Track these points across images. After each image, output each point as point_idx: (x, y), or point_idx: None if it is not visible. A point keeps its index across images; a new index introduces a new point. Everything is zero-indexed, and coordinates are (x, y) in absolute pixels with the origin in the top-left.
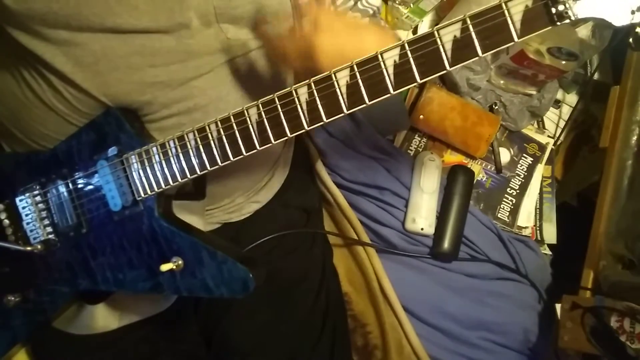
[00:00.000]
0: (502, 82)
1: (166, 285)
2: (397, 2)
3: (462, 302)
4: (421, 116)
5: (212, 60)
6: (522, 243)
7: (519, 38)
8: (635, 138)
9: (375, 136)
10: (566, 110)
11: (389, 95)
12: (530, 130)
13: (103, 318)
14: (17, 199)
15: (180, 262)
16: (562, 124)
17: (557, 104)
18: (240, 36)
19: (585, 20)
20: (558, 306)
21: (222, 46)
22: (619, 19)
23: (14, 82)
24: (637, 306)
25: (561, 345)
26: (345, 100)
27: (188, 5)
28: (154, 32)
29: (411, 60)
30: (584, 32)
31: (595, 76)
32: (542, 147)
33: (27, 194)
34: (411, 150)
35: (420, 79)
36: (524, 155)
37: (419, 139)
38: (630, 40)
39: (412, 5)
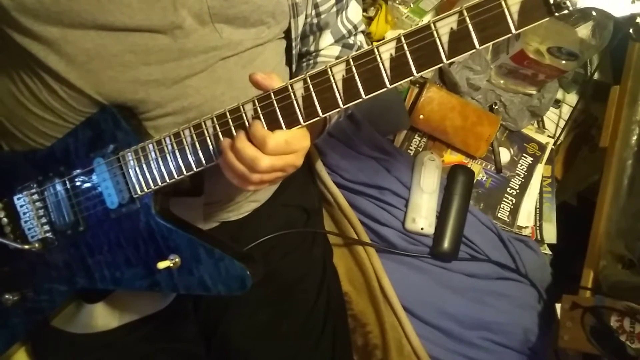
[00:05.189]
0: (502, 81)
1: (164, 283)
2: (397, 2)
3: (462, 302)
4: (421, 116)
5: (207, 59)
6: (522, 243)
7: (516, 30)
8: (635, 138)
9: (375, 136)
10: (566, 110)
11: (385, 89)
12: (530, 130)
13: (102, 317)
14: (15, 198)
15: (177, 259)
16: (562, 123)
17: (557, 103)
18: (235, 36)
19: (585, 19)
20: (558, 306)
21: (217, 45)
22: (619, 9)
23: (10, 81)
24: (637, 306)
25: (561, 345)
26: (342, 94)
27: (182, 4)
28: (146, 30)
29: (407, 53)
30: (584, 31)
31: (595, 76)
32: (542, 147)
33: (24, 193)
34: (411, 150)
35: (417, 72)
36: (524, 155)
37: (419, 138)
38: (631, 30)
39: (412, 5)
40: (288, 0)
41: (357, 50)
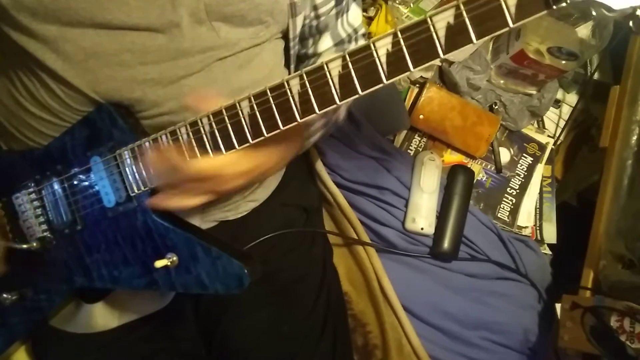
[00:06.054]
0: (502, 81)
1: (161, 282)
2: (397, 1)
3: (462, 302)
4: (421, 116)
5: (204, 59)
6: (522, 243)
7: (514, 23)
8: (635, 138)
9: (375, 136)
10: (566, 110)
11: (382, 85)
12: (530, 130)
13: (102, 317)
14: (13, 197)
15: (174, 258)
16: (562, 123)
17: (557, 103)
18: (232, 35)
19: (585, 19)
20: (558, 306)
21: (214, 45)
22: (618, 2)
23: (7, 80)
24: (637, 306)
25: (561, 345)
26: (338, 90)
27: (179, 2)
28: (144, 29)
29: (404, 48)
30: (584, 31)
31: (595, 76)
32: (542, 147)
33: (22, 192)
34: (411, 150)
35: (414, 67)
36: (524, 155)
37: (419, 138)
38: (630, 23)
39: (412, 5)
40: None
41: None
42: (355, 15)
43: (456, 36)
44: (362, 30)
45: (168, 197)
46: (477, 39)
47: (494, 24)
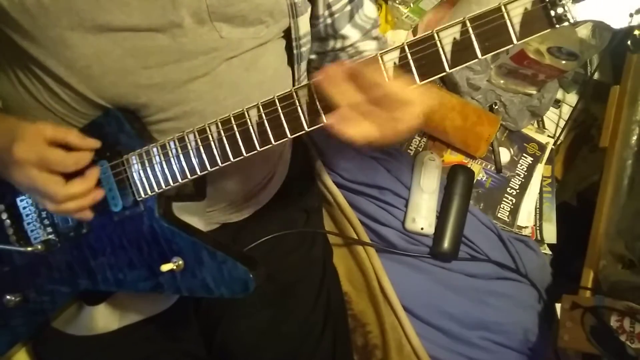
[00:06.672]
0: (502, 81)
1: (166, 286)
2: (397, 1)
3: (462, 302)
4: None
5: (207, 61)
6: (522, 243)
7: (518, 40)
8: (635, 138)
9: None
10: (566, 110)
11: None
12: (530, 130)
13: (103, 319)
14: (18, 199)
15: (180, 262)
16: (562, 123)
17: (557, 103)
18: (234, 35)
19: (584, 22)
20: (558, 306)
21: (217, 45)
22: (618, 22)
23: (10, 83)
24: (637, 306)
25: (561, 345)
26: None
27: (180, 3)
28: (145, 30)
29: (411, 62)
30: (584, 32)
31: (595, 76)
32: (542, 147)
33: (27, 194)
34: (411, 150)
35: (420, 81)
36: (524, 155)
37: (419, 138)
38: (629, 42)
39: (412, 5)
40: (287, 0)
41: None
42: (370, 9)
43: (462, 52)
44: (378, 22)
45: (347, 118)
46: (482, 55)
47: (499, 40)
